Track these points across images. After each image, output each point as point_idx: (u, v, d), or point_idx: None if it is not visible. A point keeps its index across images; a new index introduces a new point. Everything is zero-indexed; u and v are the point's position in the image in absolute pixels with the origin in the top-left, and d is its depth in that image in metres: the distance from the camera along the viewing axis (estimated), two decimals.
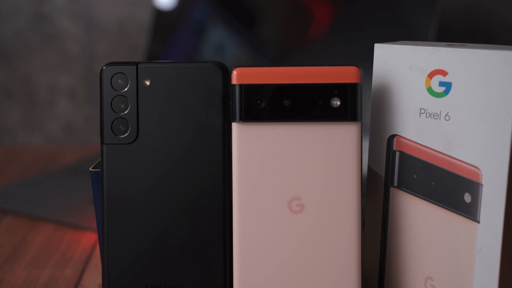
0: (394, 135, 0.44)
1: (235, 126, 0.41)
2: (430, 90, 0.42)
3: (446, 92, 0.41)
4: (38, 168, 0.84)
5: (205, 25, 0.81)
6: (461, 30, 0.87)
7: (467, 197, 0.41)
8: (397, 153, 0.44)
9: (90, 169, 0.45)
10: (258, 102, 0.41)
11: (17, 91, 0.97)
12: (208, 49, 0.81)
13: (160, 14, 0.85)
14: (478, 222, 0.41)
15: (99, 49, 0.96)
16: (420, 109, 0.42)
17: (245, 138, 0.41)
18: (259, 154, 0.41)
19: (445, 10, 0.85)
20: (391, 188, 0.44)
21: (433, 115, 0.42)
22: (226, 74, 0.43)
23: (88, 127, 0.99)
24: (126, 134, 0.43)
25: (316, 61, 0.71)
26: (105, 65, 0.43)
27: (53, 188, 0.73)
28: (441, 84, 0.41)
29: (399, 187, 0.44)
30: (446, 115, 0.41)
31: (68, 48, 0.96)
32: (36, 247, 0.60)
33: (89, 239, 0.61)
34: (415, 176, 0.43)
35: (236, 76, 0.41)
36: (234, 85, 0.41)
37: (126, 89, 0.43)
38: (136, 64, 0.43)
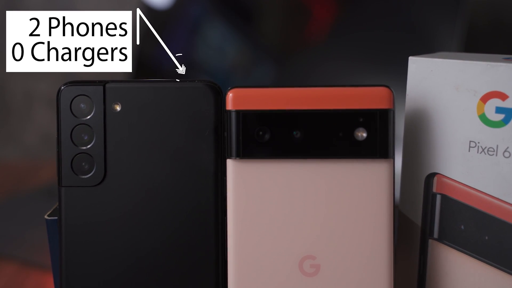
0: (434, 174, 0.38)
1: (231, 164, 0.36)
2: (483, 118, 0.36)
3: (506, 121, 0.35)
4: (7, 189, 0.80)
5: (202, 21, 0.80)
6: (484, 28, 0.84)
7: None
8: (438, 197, 0.38)
9: (46, 217, 0.38)
10: (261, 133, 0.35)
11: None
12: (205, 46, 0.79)
13: (151, 12, 0.84)
14: None
15: None
16: (470, 141, 0.37)
17: (243, 178, 0.36)
18: (261, 199, 0.35)
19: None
20: (430, 241, 0.39)
21: (488, 150, 0.36)
22: (219, 97, 0.36)
23: None
24: (90, 174, 0.36)
25: (318, 61, 0.69)
26: (63, 85, 0.36)
27: (20, 216, 0.68)
28: (499, 110, 0.35)
29: (441, 239, 0.38)
30: (505, 151, 0.35)
31: None
32: None
33: None
34: (462, 227, 0.38)
35: (233, 100, 0.35)
36: (230, 111, 0.35)
37: (90, 116, 0.36)
38: (103, 84, 0.36)
